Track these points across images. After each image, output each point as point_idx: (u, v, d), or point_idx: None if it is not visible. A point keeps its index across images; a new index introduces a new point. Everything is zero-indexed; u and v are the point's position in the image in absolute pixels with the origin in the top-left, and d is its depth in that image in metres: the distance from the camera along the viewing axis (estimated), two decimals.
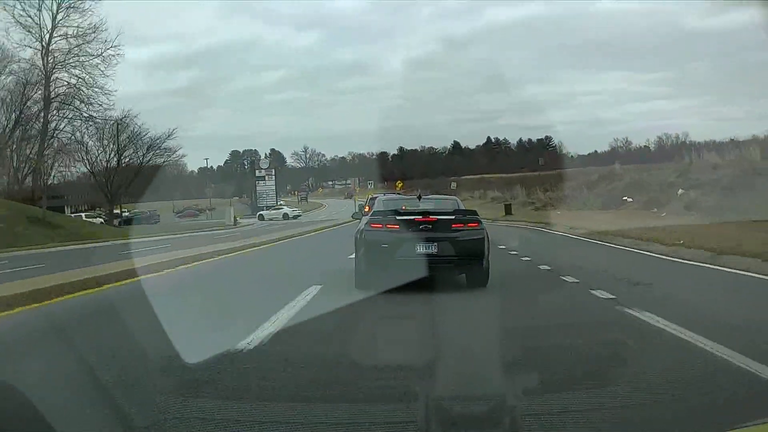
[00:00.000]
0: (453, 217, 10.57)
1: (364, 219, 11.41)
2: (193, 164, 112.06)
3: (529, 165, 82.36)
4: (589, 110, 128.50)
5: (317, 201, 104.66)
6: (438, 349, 6.17)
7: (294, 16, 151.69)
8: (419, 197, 11.91)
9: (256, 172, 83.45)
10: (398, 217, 10.38)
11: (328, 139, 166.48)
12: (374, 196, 24.70)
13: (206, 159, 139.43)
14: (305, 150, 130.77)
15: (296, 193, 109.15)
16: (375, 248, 10.28)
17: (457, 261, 10.26)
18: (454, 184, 52.82)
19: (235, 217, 65.11)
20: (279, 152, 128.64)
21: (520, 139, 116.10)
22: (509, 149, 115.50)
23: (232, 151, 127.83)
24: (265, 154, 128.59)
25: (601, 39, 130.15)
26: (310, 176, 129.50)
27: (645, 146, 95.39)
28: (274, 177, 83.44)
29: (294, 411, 4.58)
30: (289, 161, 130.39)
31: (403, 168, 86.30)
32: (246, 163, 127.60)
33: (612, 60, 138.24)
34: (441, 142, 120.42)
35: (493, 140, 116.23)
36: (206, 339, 6.49)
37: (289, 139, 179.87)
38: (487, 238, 10.70)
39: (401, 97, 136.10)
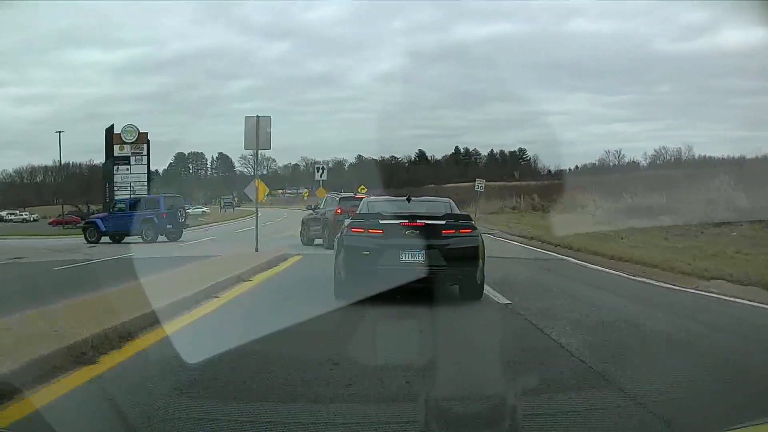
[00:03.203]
0: (444, 222, 10.06)
1: (346, 222, 10.76)
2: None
3: (502, 177, 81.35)
4: (552, 130, 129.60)
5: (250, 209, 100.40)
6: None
7: (267, 26, 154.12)
8: (408, 199, 11.39)
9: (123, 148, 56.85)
10: (382, 221, 9.85)
11: (284, 150, 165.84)
12: (345, 195, 23.63)
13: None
14: (254, 154, 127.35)
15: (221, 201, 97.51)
16: (355, 255, 9.73)
17: (447, 271, 9.62)
18: (481, 185, 43.52)
19: None
20: (227, 156, 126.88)
21: (491, 151, 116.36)
22: (479, 160, 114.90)
23: (177, 153, 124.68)
24: (212, 157, 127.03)
25: (570, 60, 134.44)
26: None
27: (634, 161, 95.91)
28: (146, 156, 57.51)
29: (294, 411, 4.74)
30: (237, 166, 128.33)
31: (361, 176, 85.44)
32: (191, 166, 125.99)
33: (578, 81, 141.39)
34: (405, 153, 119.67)
35: (462, 150, 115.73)
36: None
37: (237, 143, 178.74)
38: (483, 245, 10.10)
39: (366, 110, 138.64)
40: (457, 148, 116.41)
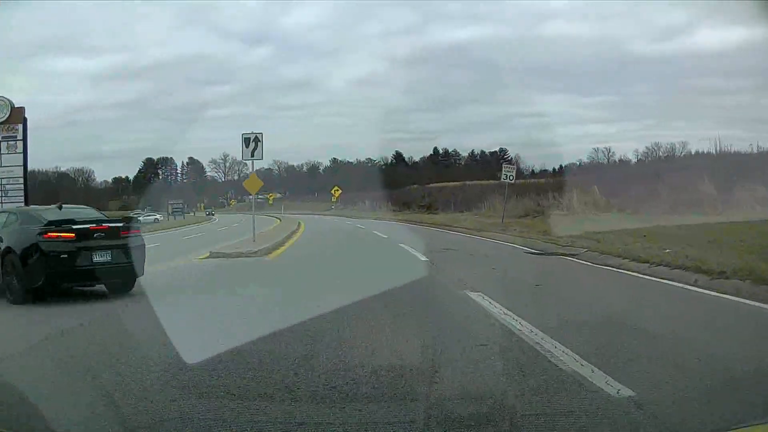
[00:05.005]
0: (121, 224, 11.67)
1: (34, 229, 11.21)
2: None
3: (485, 177, 78.22)
4: (526, 132, 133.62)
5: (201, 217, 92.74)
6: None
7: (245, 32, 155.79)
8: (60, 206, 12.20)
9: None
10: (74, 226, 10.90)
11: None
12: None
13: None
14: (224, 158, 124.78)
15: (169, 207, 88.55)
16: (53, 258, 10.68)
17: (125, 268, 11.24)
18: (510, 173, 33.64)
19: None
20: (197, 161, 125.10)
21: (472, 151, 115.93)
22: (458, 162, 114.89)
23: (147, 158, 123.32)
24: (183, 162, 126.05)
25: (546, 62, 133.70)
26: (231, 189, 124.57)
27: (623, 159, 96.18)
28: (22, 141, 39.51)
29: (294, 411, 4.90)
30: (208, 170, 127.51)
31: (337, 180, 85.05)
32: (161, 172, 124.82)
33: (554, 83, 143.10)
34: (381, 156, 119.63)
35: (441, 151, 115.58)
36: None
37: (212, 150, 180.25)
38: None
39: (342, 114, 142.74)
40: (435, 149, 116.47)
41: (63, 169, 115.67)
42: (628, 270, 13.51)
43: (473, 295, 10.24)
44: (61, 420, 4.62)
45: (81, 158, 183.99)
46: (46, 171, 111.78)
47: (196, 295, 11.79)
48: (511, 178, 33.60)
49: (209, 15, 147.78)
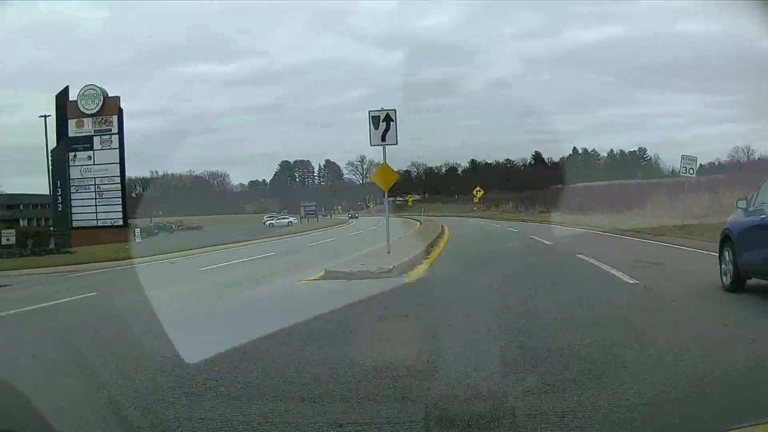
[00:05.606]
0: None
1: None
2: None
3: (624, 176, 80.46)
4: (662, 132, 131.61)
5: (341, 219, 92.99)
6: None
7: (380, 35, 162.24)
8: None
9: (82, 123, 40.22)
10: None
11: (394, 158, 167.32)
12: None
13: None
14: (361, 160, 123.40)
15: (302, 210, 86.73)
16: None
17: None
18: (691, 166, 29.80)
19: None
20: (334, 163, 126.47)
21: (611, 151, 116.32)
22: (598, 161, 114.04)
23: (282, 161, 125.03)
24: (319, 165, 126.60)
25: (678, 61, 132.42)
26: (367, 192, 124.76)
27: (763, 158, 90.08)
28: (118, 135, 40.79)
29: (294, 410, 4.81)
30: (345, 173, 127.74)
31: (478, 180, 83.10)
32: (298, 175, 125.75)
33: (688, 82, 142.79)
34: (520, 157, 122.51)
35: (580, 151, 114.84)
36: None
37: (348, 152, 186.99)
38: None
39: (479, 116, 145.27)
40: (574, 149, 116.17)
41: (197, 173, 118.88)
42: None
43: None
44: (61, 420, 4.67)
45: (215, 162, 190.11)
46: (180, 175, 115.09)
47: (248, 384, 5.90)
48: (692, 171, 30.01)
49: (345, 19, 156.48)
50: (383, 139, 17.19)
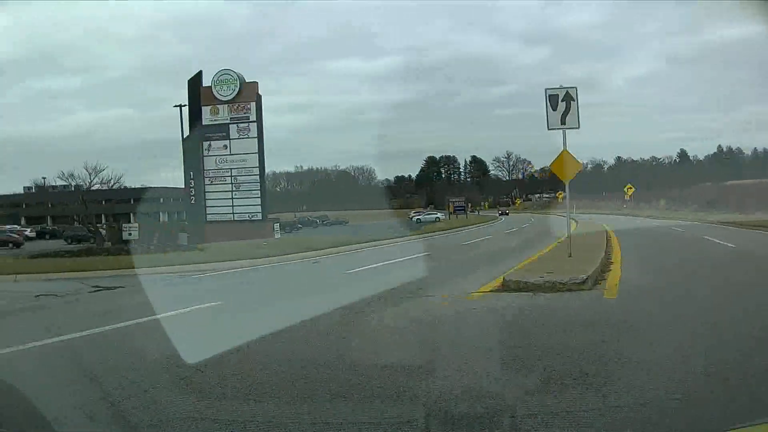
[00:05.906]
0: None
1: None
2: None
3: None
4: None
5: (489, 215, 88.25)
6: None
7: (524, 32, 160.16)
8: None
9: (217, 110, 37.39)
10: None
11: (540, 155, 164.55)
12: None
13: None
14: (508, 156, 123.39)
15: (449, 206, 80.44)
16: None
17: None
18: None
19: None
20: (481, 159, 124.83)
21: (754, 149, 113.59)
22: (743, 159, 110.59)
23: (428, 157, 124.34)
24: (465, 161, 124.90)
25: None
26: (513, 188, 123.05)
27: None
28: (256, 123, 37.64)
29: (294, 410, 4.76)
30: (491, 169, 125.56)
31: (620, 177, 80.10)
32: (443, 170, 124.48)
33: None
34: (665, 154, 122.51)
35: (724, 149, 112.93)
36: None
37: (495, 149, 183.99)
38: None
39: (623, 113, 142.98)
40: (719, 146, 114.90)
41: (342, 167, 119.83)
42: None
43: None
44: (62, 420, 4.56)
45: (361, 157, 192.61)
46: (325, 169, 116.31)
47: None
48: None
49: (490, 16, 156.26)
50: (563, 121, 14.61)
